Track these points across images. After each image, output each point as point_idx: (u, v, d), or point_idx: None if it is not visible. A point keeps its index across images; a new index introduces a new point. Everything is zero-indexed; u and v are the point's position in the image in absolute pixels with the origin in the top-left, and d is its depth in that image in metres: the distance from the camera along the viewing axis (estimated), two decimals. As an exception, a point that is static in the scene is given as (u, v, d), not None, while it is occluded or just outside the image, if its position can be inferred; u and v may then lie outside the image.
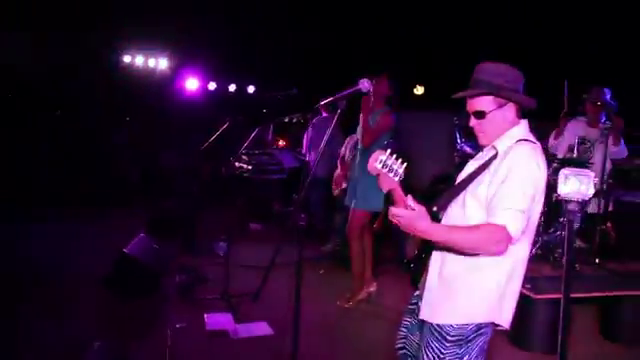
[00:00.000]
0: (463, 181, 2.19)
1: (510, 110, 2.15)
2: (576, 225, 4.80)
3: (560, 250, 4.59)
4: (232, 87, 10.70)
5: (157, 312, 4.42)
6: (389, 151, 2.03)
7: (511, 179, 2.01)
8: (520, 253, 2.13)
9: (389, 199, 2.13)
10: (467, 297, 2.11)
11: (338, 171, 6.60)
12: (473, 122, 2.19)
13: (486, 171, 2.11)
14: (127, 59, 9.81)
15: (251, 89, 10.87)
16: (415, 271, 2.29)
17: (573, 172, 2.02)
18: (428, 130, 8.78)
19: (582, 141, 4.90)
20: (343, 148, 6.60)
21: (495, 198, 2.02)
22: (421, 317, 2.23)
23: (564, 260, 2.04)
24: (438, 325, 2.15)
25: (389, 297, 5.00)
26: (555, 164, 4.68)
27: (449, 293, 2.14)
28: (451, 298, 2.13)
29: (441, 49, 8.71)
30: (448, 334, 2.12)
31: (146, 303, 4.48)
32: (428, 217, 1.95)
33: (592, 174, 2.04)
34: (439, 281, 2.18)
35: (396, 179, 2.03)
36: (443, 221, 2.21)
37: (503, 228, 1.96)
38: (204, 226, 6.48)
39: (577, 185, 1.99)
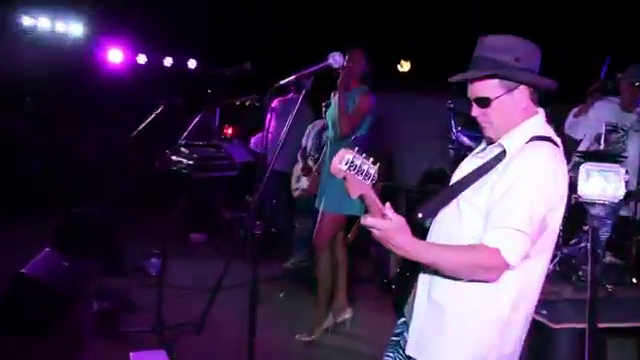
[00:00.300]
0: (459, 183, 2.17)
1: (523, 95, 2.13)
2: (605, 235, 4.85)
3: (585, 267, 4.61)
4: (168, 61, 10.60)
5: (67, 351, 4.32)
6: (357, 149, 2.02)
7: (517, 191, 1.98)
8: (530, 275, 2.10)
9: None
10: (462, 329, 2.10)
11: (299, 166, 6.58)
12: (476, 111, 2.17)
13: (489, 174, 2.09)
14: (28, 22, 9.53)
15: (192, 64, 10.79)
16: (398, 294, 2.28)
17: (597, 168, 2.02)
18: (415, 116, 8.87)
19: (613, 128, 4.93)
20: (304, 138, 6.58)
21: (493, 212, 2.00)
22: (408, 353, 2.21)
23: (589, 279, 2.03)
24: None
25: (366, 327, 5.01)
26: (576, 157, 4.72)
27: (440, 324, 2.13)
28: (443, 330, 2.12)
29: (431, 15, 8.79)
30: None
31: (52, 340, 4.37)
32: (408, 231, 1.95)
33: (623, 170, 2.04)
34: (428, 307, 2.17)
35: (367, 182, 2.00)
36: (433, 230, 2.21)
37: (495, 252, 1.95)
38: (131, 237, 6.40)
39: (603, 184, 1.99)
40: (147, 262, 6.05)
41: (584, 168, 1.96)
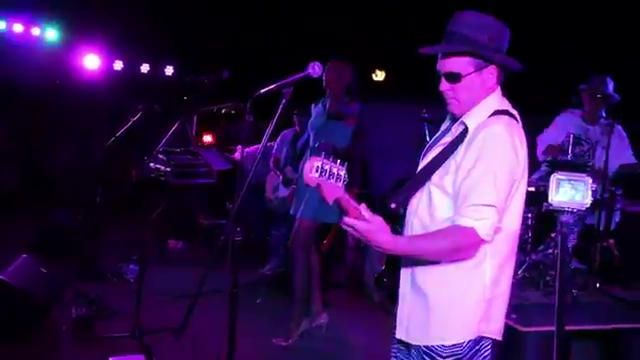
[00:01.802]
0: (425, 169, 2.23)
1: (491, 75, 2.19)
2: (572, 242, 4.96)
3: (553, 272, 4.71)
4: (145, 67, 10.53)
5: (45, 357, 4.29)
6: (323, 154, 2.06)
7: (480, 167, 2.05)
8: (505, 245, 2.17)
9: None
10: (448, 311, 2.16)
11: (274, 176, 6.61)
12: (444, 86, 2.21)
13: (453, 155, 2.15)
14: (1, 26, 9.40)
15: (169, 70, 10.73)
16: (392, 286, 2.33)
17: (567, 177, 2.10)
18: (391, 125, 8.93)
19: (577, 141, 5.04)
20: (275, 148, 6.63)
21: (461, 191, 2.08)
22: (398, 337, 2.28)
23: (557, 284, 2.12)
24: (427, 347, 2.19)
25: (342, 331, 5.05)
26: (545, 166, 4.82)
27: (426, 309, 2.19)
28: (429, 315, 2.18)
29: (406, 24, 8.85)
30: (440, 356, 2.16)
31: (30, 346, 4.34)
32: (387, 229, 2.01)
33: (589, 180, 2.13)
34: (412, 294, 2.23)
35: (340, 184, 2.06)
36: (408, 220, 2.26)
37: (470, 231, 2.02)
38: (109, 244, 6.36)
39: (572, 193, 2.07)
40: (125, 268, 6.01)
41: (554, 177, 2.05)
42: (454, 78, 2.17)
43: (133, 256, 5.75)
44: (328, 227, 5.05)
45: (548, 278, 4.72)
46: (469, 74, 2.16)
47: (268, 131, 2.88)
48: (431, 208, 2.17)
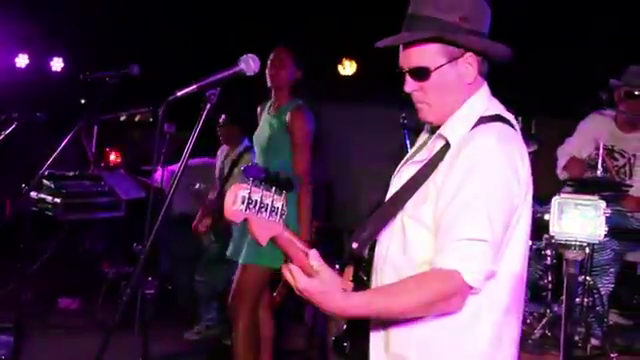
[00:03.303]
0: (396, 196, 2.24)
1: (469, 65, 2.20)
2: (607, 287, 4.97)
3: (581, 329, 4.70)
4: (22, 59, 10.42)
5: None
6: (251, 180, 2.06)
7: (468, 190, 2.05)
8: (504, 296, 2.16)
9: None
10: None
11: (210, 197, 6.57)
12: (411, 85, 2.22)
13: (432, 177, 2.15)
14: None
15: (57, 64, 10.63)
16: (355, 351, 2.31)
17: (572, 201, 2.11)
18: (362, 133, 8.97)
19: (610, 153, 5.04)
20: (218, 162, 6.61)
21: (443, 222, 2.07)
22: None
23: (561, 349, 2.12)
24: None
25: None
26: (567, 188, 4.81)
27: None
28: None
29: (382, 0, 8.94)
30: None
31: None
32: (337, 289, 2.02)
33: (602, 204, 2.14)
34: None
35: (276, 219, 2.05)
36: (376, 263, 2.26)
37: (453, 274, 2.00)
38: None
39: (579, 221, 2.08)
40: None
41: (556, 201, 2.05)
42: (421, 74, 2.19)
43: (5, 324, 5.59)
44: (279, 274, 5.03)
45: (577, 338, 4.68)
46: (440, 67, 2.17)
47: (189, 146, 2.86)
48: (406, 248, 2.17)
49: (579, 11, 7.43)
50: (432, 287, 2.01)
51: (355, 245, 2.18)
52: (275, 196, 2.06)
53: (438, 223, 2.08)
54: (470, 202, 2.03)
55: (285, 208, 2.07)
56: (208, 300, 6.58)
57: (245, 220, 2.04)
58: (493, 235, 2.03)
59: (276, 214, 2.06)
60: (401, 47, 2.23)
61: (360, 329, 2.29)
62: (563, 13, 7.46)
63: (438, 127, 2.23)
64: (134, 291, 2.86)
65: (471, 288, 2.02)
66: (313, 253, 2.01)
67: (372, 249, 2.28)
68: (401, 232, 2.19)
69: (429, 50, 2.17)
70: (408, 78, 2.21)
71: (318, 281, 1.98)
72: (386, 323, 2.21)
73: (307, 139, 4.76)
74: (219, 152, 6.72)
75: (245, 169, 4.20)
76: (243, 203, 2.03)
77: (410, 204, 2.17)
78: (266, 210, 2.05)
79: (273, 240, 2.06)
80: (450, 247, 2.02)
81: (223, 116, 6.43)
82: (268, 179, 2.11)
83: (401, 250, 2.18)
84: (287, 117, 4.75)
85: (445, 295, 2.02)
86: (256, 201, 2.04)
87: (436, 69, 2.16)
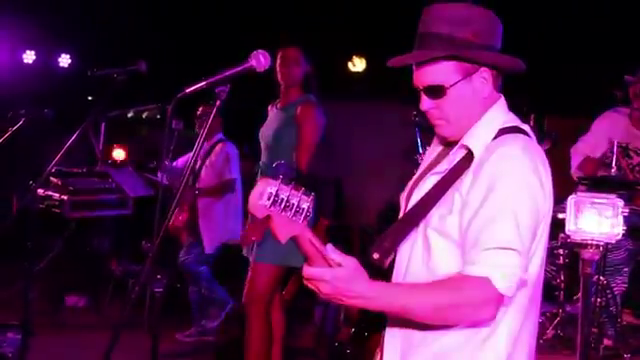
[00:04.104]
0: (419, 205, 2.21)
1: (484, 80, 2.20)
2: (620, 287, 4.95)
3: (596, 330, 4.68)
4: (29, 56, 10.43)
5: None
6: (281, 177, 2.02)
7: (495, 200, 2.03)
8: (523, 298, 2.14)
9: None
10: None
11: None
12: (427, 104, 2.21)
13: (455, 187, 2.14)
14: None
15: (65, 60, 10.64)
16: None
17: (590, 199, 2.09)
18: (373, 130, 8.97)
19: (624, 151, 5.03)
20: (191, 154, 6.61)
21: (471, 233, 2.05)
22: None
23: (578, 350, 2.10)
24: None
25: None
26: (582, 186, 4.78)
27: None
28: None
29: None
30: None
31: None
32: (364, 274, 1.97)
33: (620, 202, 2.12)
34: None
35: (300, 220, 2.01)
36: (397, 275, 2.23)
37: (484, 282, 1.98)
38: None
39: (596, 220, 2.06)
40: (1, 340, 5.87)
41: (572, 200, 2.03)
42: (437, 92, 2.18)
43: (12, 321, 5.59)
44: (289, 273, 5.01)
45: (590, 338, 4.69)
46: (455, 84, 2.16)
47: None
48: (430, 261, 2.15)
49: (593, 9, 7.42)
50: (464, 291, 1.99)
51: (376, 255, 2.13)
52: (303, 196, 2.01)
53: (465, 234, 2.06)
54: (498, 211, 2.02)
55: (311, 210, 2.02)
56: (200, 304, 6.53)
57: (267, 217, 2.00)
58: (522, 244, 2.02)
59: (300, 214, 2.00)
60: (414, 66, 2.21)
61: (367, 338, 2.27)
62: (576, 11, 7.44)
63: (455, 142, 2.22)
64: (142, 289, 2.83)
65: (502, 297, 2.00)
66: (329, 247, 1.96)
67: (392, 260, 2.25)
68: (423, 244, 2.17)
69: (444, 68, 2.16)
70: (423, 96, 2.20)
71: (342, 270, 1.93)
72: (403, 328, 2.18)
73: (315, 133, 4.75)
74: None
75: (277, 165, 4.19)
76: (269, 199, 1.98)
77: (434, 216, 2.15)
78: (291, 209, 2.00)
79: (293, 240, 2.02)
80: (480, 256, 2.00)
81: (201, 108, 6.39)
82: (299, 178, 2.09)
83: (424, 263, 2.16)
84: (297, 110, 4.74)
85: (477, 301, 2.00)
86: (282, 199, 1.99)
87: (452, 86, 2.16)
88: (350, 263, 1.95)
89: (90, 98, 9.13)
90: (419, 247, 2.18)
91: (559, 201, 4.40)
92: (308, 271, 1.95)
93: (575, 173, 5.27)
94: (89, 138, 8.07)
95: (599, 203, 2.00)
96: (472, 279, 1.99)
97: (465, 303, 2.00)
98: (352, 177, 9.16)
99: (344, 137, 8.52)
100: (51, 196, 7.26)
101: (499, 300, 2.00)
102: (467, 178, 2.11)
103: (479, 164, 2.10)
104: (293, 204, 2.00)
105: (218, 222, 6.51)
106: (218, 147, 6.53)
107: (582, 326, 2.08)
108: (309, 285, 1.98)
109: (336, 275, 1.93)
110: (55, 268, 7.31)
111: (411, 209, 2.23)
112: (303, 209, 2.00)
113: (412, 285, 2.12)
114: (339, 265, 1.94)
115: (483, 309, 2.01)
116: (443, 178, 2.17)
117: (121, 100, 5.60)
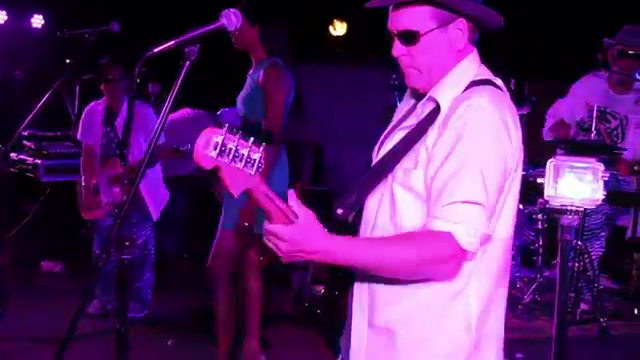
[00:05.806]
0: (385, 160, 2.21)
1: (459, 31, 2.18)
2: (597, 252, 4.98)
3: (573, 294, 4.72)
4: (0, 16, 10.31)
5: None
6: (227, 126, 1.92)
7: (460, 153, 2.02)
8: (493, 262, 2.15)
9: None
10: (421, 356, 2.15)
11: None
12: (398, 50, 2.20)
13: (422, 141, 2.12)
14: None
15: (38, 21, 10.53)
16: (326, 322, 2.29)
17: (569, 163, 2.09)
18: (353, 95, 8.93)
19: (602, 115, 5.03)
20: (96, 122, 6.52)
21: (435, 186, 2.04)
22: None
23: (555, 316, 2.11)
24: None
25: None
26: (559, 151, 4.82)
27: (391, 354, 2.17)
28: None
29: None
30: None
31: None
32: (322, 229, 1.97)
33: (601, 166, 2.12)
34: (371, 338, 2.21)
35: (252, 171, 1.95)
36: (363, 230, 2.24)
37: (447, 236, 1.98)
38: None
39: (576, 185, 2.05)
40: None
41: (552, 164, 2.02)
42: (410, 38, 2.16)
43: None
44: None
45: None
46: (430, 31, 2.14)
47: (167, 105, 2.80)
48: (395, 215, 2.14)
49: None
50: (425, 247, 1.99)
51: (340, 211, 2.13)
52: (253, 147, 1.93)
53: (429, 188, 2.05)
54: (463, 164, 2.01)
55: (263, 161, 1.95)
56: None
57: (216, 168, 1.92)
58: (487, 198, 2.01)
59: (252, 166, 1.93)
60: (390, 8, 2.19)
61: (338, 297, 2.27)
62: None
63: (423, 94, 2.20)
64: (108, 253, 2.80)
65: (465, 252, 2.00)
66: (291, 194, 1.95)
67: (358, 215, 2.24)
68: (390, 198, 2.16)
69: (419, 13, 2.14)
70: (396, 41, 2.18)
71: (300, 225, 1.93)
72: (371, 283, 2.18)
73: (280, 95, 4.71)
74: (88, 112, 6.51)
75: (221, 112, 4.11)
76: (216, 149, 1.90)
77: (400, 170, 2.14)
78: (241, 160, 1.91)
79: (248, 194, 1.96)
80: (443, 210, 1.99)
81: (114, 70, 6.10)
82: (246, 128, 2.02)
83: (390, 217, 2.16)
84: (261, 74, 4.71)
85: (437, 257, 2.00)
86: (230, 149, 1.91)
87: (426, 33, 2.14)
88: (307, 216, 1.95)
89: (68, 61, 9.05)
90: (386, 202, 2.17)
91: (538, 165, 4.40)
92: (267, 227, 1.95)
93: (546, 135, 5.29)
94: (64, 101, 7.99)
95: (579, 167, 1.99)
96: (434, 233, 2.00)
97: (426, 258, 2.00)
98: (333, 142, 9.14)
99: (325, 102, 8.49)
100: (24, 160, 7.22)
101: (462, 256, 2.01)
102: (433, 131, 2.10)
103: (446, 117, 2.09)
104: (243, 154, 1.92)
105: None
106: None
107: (560, 292, 2.08)
108: (268, 243, 1.97)
109: (292, 231, 1.93)
110: (30, 234, 7.30)
111: (376, 164, 2.24)
112: (254, 160, 1.93)
113: (371, 239, 2.14)
114: (296, 217, 1.93)
115: (445, 264, 2.01)
116: (410, 132, 2.17)
117: (96, 62, 5.55)
